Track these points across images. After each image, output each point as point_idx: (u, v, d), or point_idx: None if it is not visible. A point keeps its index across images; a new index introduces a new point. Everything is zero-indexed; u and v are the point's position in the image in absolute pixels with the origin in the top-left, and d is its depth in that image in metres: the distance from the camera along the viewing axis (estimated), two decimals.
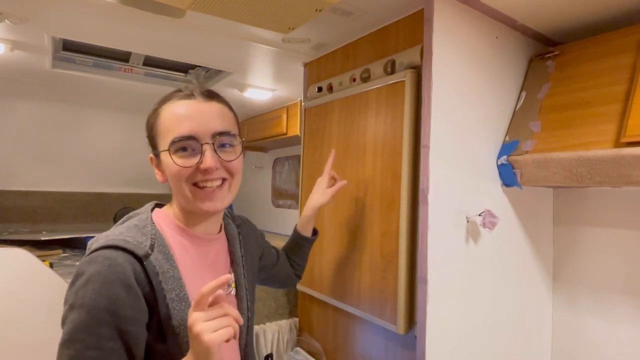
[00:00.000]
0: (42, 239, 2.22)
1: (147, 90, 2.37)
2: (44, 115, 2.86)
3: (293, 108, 2.53)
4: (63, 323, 0.64)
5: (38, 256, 1.54)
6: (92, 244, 0.70)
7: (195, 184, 0.75)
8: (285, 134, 2.58)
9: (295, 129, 2.46)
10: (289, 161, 3.10)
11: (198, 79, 2.32)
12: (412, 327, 1.16)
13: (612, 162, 1.02)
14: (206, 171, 0.73)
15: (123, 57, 2.04)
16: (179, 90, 0.79)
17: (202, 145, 0.73)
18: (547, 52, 1.33)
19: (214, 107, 0.78)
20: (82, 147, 3.01)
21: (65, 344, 0.62)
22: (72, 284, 0.65)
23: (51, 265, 1.72)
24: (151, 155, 0.80)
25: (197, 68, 2.24)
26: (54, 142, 2.92)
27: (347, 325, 1.44)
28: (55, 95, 2.69)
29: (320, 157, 1.53)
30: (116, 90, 2.47)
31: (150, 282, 0.67)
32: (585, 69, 1.20)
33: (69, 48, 1.95)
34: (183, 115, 0.75)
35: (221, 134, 0.75)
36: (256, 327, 1.82)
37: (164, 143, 0.75)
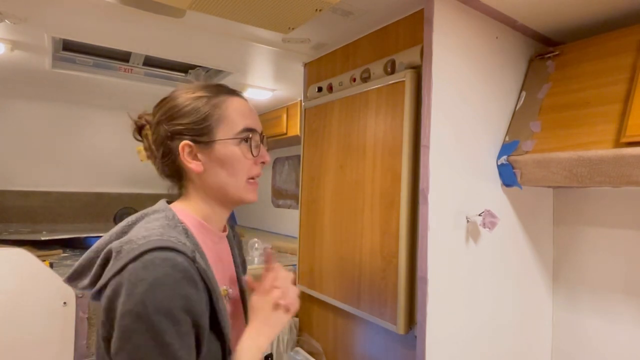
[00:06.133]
0: (42, 239, 2.21)
1: (147, 90, 2.37)
2: (44, 116, 2.86)
3: (293, 108, 2.53)
4: (128, 336, 0.58)
5: (38, 256, 1.54)
6: (129, 248, 0.64)
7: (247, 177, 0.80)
8: (285, 134, 2.58)
9: (295, 129, 2.46)
10: (289, 161, 3.10)
11: (198, 79, 2.32)
12: (412, 327, 1.16)
13: (612, 162, 1.02)
14: (262, 165, 0.80)
15: (123, 57, 2.04)
16: (221, 85, 0.81)
17: (262, 140, 0.80)
18: (547, 52, 1.33)
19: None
20: (82, 147, 3.01)
21: (150, 356, 0.58)
22: (131, 293, 0.59)
23: (51, 265, 1.72)
24: (188, 142, 0.75)
25: (197, 68, 2.24)
26: (54, 142, 2.93)
27: (347, 325, 1.44)
28: (55, 95, 2.70)
29: (320, 157, 1.54)
30: (116, 90, 2.47)
31: (203, 280, 0.67)
32: (585, 69, 1.20)
33: (69, 48, 1.95)
34: (248, 110, 0.80)
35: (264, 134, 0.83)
36: None
37: (226, 132, 0.76)
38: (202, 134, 0.76)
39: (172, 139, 0.75)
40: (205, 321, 0.65)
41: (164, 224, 0.70)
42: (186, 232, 0.71)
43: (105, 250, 0.68)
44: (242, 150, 0.77)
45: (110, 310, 0.61)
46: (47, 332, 1.45)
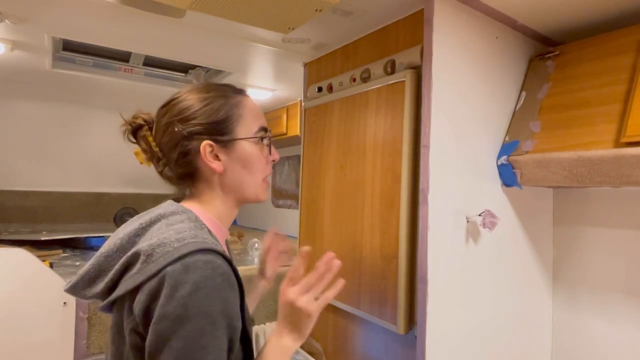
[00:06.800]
0: (42, 239, 2.22)
1: (147, 90, 2.38)
2: (44, 115, 2.86)
3: (293, 108, 2.54)
4: (166, 340, 0.58)
5: (38, 256, 1.54)
6: (163, 251, 0.62)
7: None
8: (285, 134, 2.58)
9: (295, 129, 2.46)
10: (289, 161, 3.10)
11: (198, 79, 2.32)
12: (412, 327, 1.16)
13: (612, 162, 1.02)
14: (273, 162, 0.82)
15: (123, 57, 2.05)
16: (228, 85, 0.81)
17: (270, 140, 0.81)
18: (547, 52, 1.33)
19: None
20: (82, 147, 3.02)
21: (186, 358, 0.58)
22: (171, 296, 0.58)
23: (51, 265, 1.72)
24: (209, 142, 0.73)
25: (197, 68, 2.24)
26: (54, 142, 2.93)
27: (347, 326, 1.44)
28: (55, 95, 2.70)
29: (320, 157, 1.54)
30: (116, 90, 2.47)
31: (238, 282, 0.66)
32: (585, 69, 1.20)
33: (69, 48, 1.95)
34: (258, 110, 0.81)
35: None
36: (256, 328, 1.82)
37: (245, 132, 0.77)
38: (223, 133, 0.75)
39: (190, 139, 0.73)
40: (239, 323, 0.65)
41: (191, 225, 0.68)
42: (210, 234, 0.71)
43: (129, 254, 0.65)
44: (259, 149, 0.78)
45: (146, 315, 0.60)
46: (47, 332, 1.45)
